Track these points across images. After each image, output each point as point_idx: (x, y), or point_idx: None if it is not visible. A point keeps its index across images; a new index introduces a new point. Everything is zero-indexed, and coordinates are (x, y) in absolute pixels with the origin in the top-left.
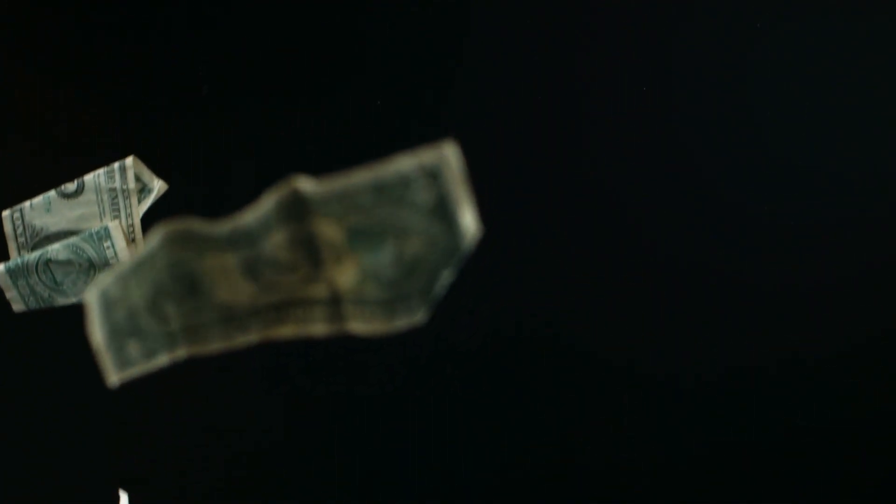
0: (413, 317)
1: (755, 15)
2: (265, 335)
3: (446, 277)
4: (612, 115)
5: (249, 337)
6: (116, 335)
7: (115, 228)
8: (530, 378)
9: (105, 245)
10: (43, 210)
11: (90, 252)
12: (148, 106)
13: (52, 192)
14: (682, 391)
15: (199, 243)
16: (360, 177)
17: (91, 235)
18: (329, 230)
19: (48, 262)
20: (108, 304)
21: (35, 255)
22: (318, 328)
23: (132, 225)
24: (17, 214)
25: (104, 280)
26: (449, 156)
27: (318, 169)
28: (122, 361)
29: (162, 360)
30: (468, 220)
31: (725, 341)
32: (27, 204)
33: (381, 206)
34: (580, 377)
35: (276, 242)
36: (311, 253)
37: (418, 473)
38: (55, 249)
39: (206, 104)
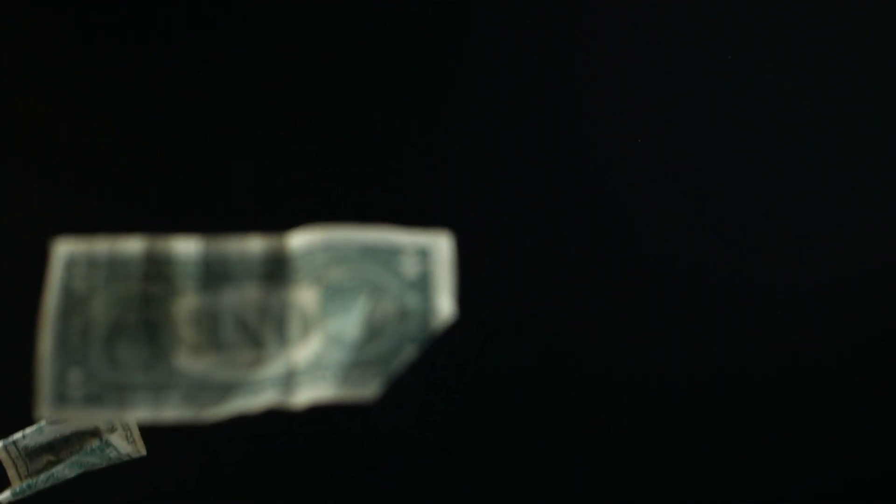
0: (365, 387)
1: (755, 16)
2: (206, 412)
3: (407, 354)
4: (611, 114)
5: (192, 411)
6: (63, 352)
7: (117, 438)
8: (531, 378)
9: (109, 451)
10: (36, 434)
11: (95, 460)
12: (147, 107)
13: (43, 422)
14: (683, 391)
15: (173, 281)
16: (353, 234)
17: (93, 450)
18: (305, 296)
19: (54, 480)
20: (69, 294)
21: (41, 478)
22: (262, 401)
23: (128, 426)
24: (10, 446)
25: (73, 246)
26: (442, 242)
27: (315, 169)
28: (58, 394)
29: (102, 413)
30: (445, 304)
31: (727, 341)
32: (19, 435)
33: (365, 264)
34: (581, 377)
35: (250, 299)
36: (279, 329)
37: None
38: (61, 472)
39: (204, 106)
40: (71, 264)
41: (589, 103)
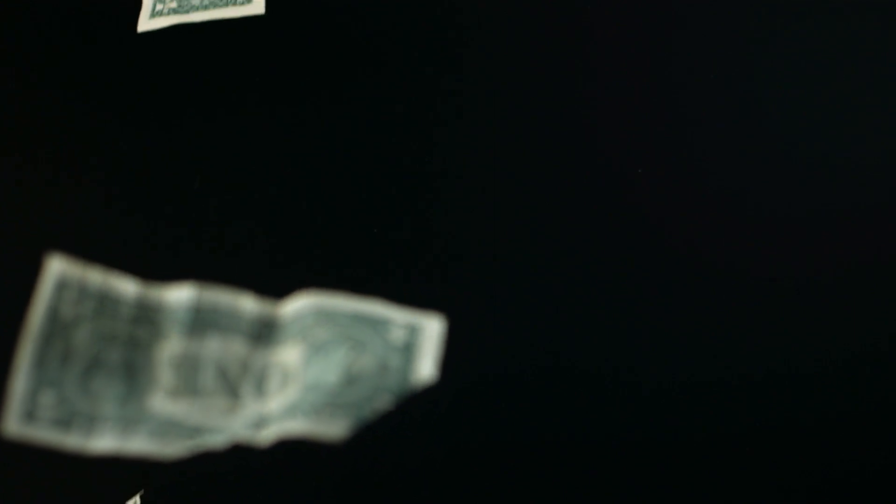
0: (335, 427)
1: (756, 14)
2: (171, 449)
3: (382, 403)
4: (613, 113)
5: (157, 447)
6: (40, 371)
7: None
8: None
9: None
10: None
11: None
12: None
13: None
14: (685, 392)
15: (161, 326)
16: (347, 302)
17: None
18: (289, 354)
19: None
20: (55, 316)
21: None
22: (229, 439)
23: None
24: None
25: (67, 269)
26: (434, 324)
27: (311, 170)
28: (27, 412)
29: (69, 440)
30: (426, 369)
31: (728, 341)
32: None
33: (354, 327)
34: (583, 379)
35: (234, 352)
36: (258, 383)
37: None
38: None
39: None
40: (62, 286)
41: (591, 102)
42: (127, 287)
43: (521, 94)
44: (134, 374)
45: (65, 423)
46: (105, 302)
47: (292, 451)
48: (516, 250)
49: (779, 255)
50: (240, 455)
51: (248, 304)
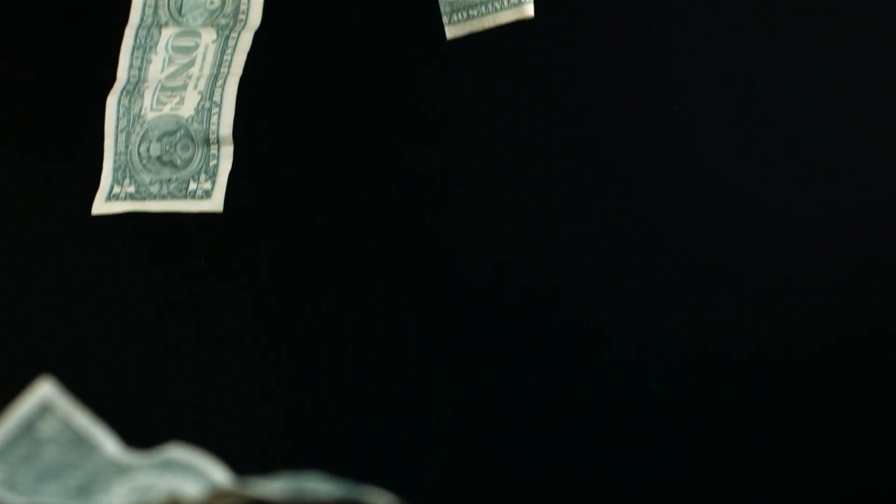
0: None
1: (757, 14)
2: None
3: None
4: (612, 112)
5: None
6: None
7: None
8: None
9: None
10: None
11: None
12: None
13: None
14: (684, 392)
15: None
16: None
17: None
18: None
19: None
20: (28, 429)
21: None
22: None
23: None
24: None
25: (55, 396)
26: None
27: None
28: None
29: None
30: None
31: (728, 341)
32: None
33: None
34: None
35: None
36: None
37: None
38: None
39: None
40: (44, 409)
41: (592, 101)
42: (106, 443)
43: (521, 94)
44: (88, 494)
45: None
46: (82, 443)
47: None
48: (517, 249)
49: (778, 254)
50: None
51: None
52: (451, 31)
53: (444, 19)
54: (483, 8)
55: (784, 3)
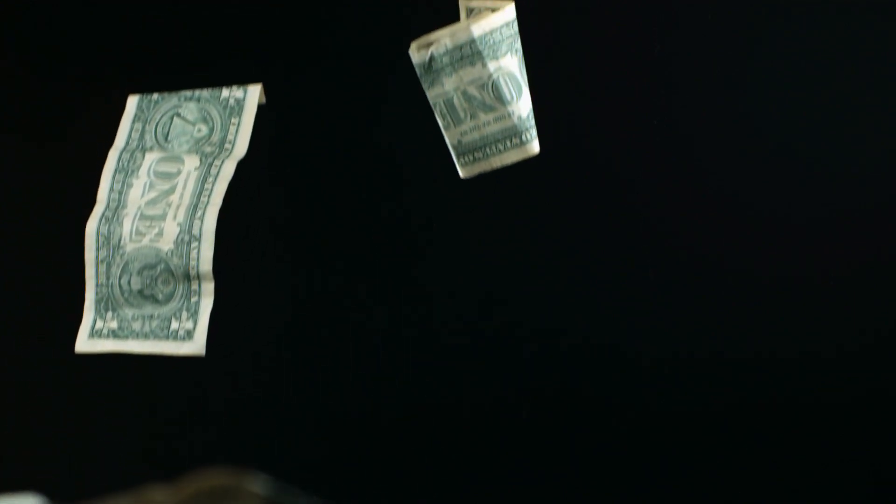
0: None
1: (757, 14)
2: None
3: None
4: (612, 112)
5: None
6: None
7: None
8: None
9: None
10: None
11: None
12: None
13: None
14: (684, 392)
15: None
16: None
17: None
18: None
19: None
20: None
21: None
22: None
23: None
24: None
25: None
26: None
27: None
28: None
29: None
30: None
31: (730, 338)
32: None
33: None
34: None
35: None
36: None
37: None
38: None
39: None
40: None
41: (591, 100)
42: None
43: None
44: None
45: None
46: None
47: None
48: (516, 251)
49: (778, 253)
50: None
51: None
52: (463, 172)
53: (455, 161)
54: (488, 150)
55: (784, 4)
